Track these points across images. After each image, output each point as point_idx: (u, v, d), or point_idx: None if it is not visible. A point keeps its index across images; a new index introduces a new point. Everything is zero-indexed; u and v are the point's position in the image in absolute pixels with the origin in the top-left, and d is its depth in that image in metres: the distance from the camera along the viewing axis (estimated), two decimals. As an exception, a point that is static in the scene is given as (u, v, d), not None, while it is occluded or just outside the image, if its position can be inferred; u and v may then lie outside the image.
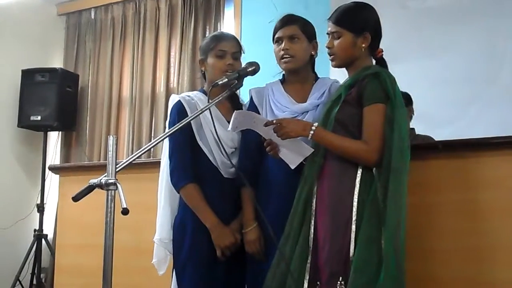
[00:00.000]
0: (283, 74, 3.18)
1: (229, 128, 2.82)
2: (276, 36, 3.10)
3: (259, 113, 3.07)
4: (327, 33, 2.86)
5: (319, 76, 3.20)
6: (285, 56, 3.04)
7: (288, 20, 3.10)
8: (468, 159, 2.99)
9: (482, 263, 2.88)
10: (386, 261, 2.47)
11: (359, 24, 2.79)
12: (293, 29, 3.06)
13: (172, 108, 3.19)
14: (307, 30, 3.09)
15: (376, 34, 2.83)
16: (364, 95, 2.67)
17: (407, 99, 4.60)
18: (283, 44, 3.05)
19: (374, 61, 2.86)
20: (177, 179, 3.09)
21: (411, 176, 2.65)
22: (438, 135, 4.01)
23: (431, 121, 4.73)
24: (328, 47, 2.84)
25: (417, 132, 4.61)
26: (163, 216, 3.24)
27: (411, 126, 4.58)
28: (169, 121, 3.18)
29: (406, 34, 5.17)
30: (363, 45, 2.78)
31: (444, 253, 2.96)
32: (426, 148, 3.29)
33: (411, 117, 4.62)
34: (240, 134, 3.11)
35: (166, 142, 3.19)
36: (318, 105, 3.00)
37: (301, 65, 3.08)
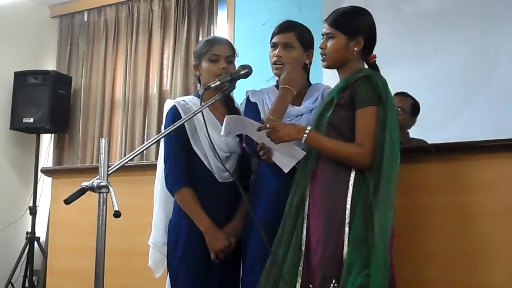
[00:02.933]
0: (277, 80, 3.17)
1: (222, 133, 2.82)
2: (272, 41, 3.11)
3: (258, 111, 3.08)
4: (322, 34, 2.87)
5: (318, 81, 3.21)
6: (277, 62, 3.05)
7: (286, 27, 3.10)
8: (460, 162, 3.01)
9: (474, 266, 2.90)
10: (375, 259, 2.46)
11: (353, 27, 2.80)
12: (289, 36, 3.07)
13: (167, 113, 3.18)
14: (304, 38, 3.09)
15: (370, 39, 2.84)
16: (356, 98, 2.68)
17: (417, 109, 4.62)
18: (277, 51, 3.06)
19: (366, 66, 2.86)
20: (172, 183, 3.09)
21: (404, 178, 2.66)
22: (432, 138, 4.01)
23: (425, 124, 4.72)
24: (321, 48, 2.85)
25: (411, 136, 4.62)
26: (158, 220, 3.24)
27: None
28: (164, 126, 3.18)
29: (400, 37, 5.18)
30: (355, 49, 2.79)
31: (436, 256, 2.97)
32: (418, 151, 3.30)
33: (410, 126, 4.63)
34: (236, 138, 3.11)
35: (162, 146, 3.19)
36: (312, 109, 3.01)
37: None
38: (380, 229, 2.50)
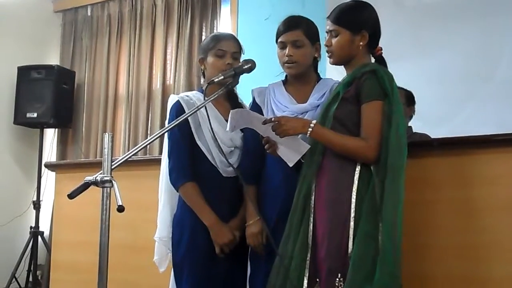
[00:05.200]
0: (286, 75, 3.17)
1: (228, 129, 2.82)
2: (279, 40, 3.08)
3: (262, 112, 3.07)
4: (326, 32, 2.87)
5: (321, 76, 3.19)
6: (288, 61, 3.03)
7: (292, 25, 3.07)
8: (463, 156, 3.00)
9: (478, 260, 2.89)
10: (383, 256, 2.48)
11: (357, 22, 2.80)
12: (297, 34, 3.04)
13: (171, 108, 3.19)
14: (311, 33, 3.07)
15: (375, 32, 2.84)
16: (362, 92, 2.67)
17: (411, 99, 4.61)
18: (286, 50, 3.03)
19: (373, 59, 2.86)
20: (176, 178, 3.10)
21: (406, 173, 2.65)
22: (435, 133, 4.02)
23: (427, 119, 4.73)
24: (327, 45, 2.85)
25: (414, 130, 4.62)
26: (163, 214, 3.25)
27: (408, 124, 4.59)
28: (168, 121, 3.19)
29: (402, 32, 5.17)
30: (361, 43, 2.78)
31: (440, 250, 2.96)
32: (421, 145, 3.29)
33: (411, 117, 4.62)
34: (240, 133, 3.12)
35: (167, 141, 3.20)
36: (317, 106, 2.99)
37: (304, 70, 3.08)
38: (387, 226, 2.51)
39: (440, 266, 2.95)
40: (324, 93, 3.03)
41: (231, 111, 2.79)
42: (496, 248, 2.87)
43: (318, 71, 3.18)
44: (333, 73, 3.18)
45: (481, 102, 4.93)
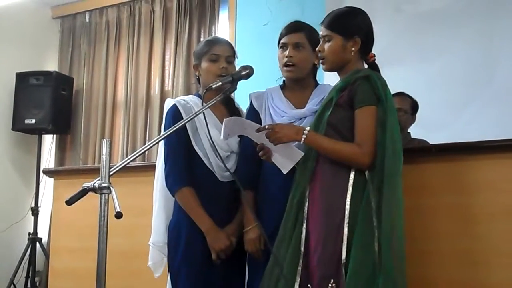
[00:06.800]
0: (284, 80, 3.17)
1: (221, 137, 2.82)
2: (281, 41, 3.10)
3: (259, 117, 3.08)
4: (319, 37, 2.87)
5: (319, 83, 3.20)
6: (288, 63, 3.04)
7: (295, 28, 3.10)
8: (461, 162, 3.01)
9: (476, 266, 2.89)
10: (383, 263, 2.48)
11: (349, 28, 2.80)
12: (299, 37, 3.07)
13: (167, 112, 3.19)
14: (313, 38, 3.07)
15: (367, 38, 2.84)
16: (356, 97, 2.67)
17: (416, 108, 4.62)
18: (287, 51, 3.05)
19: (366, 66, 2.87)
20: (172, 183, 3.09)
21: (405, 179, 2.65)
22: (434, 139, 4.01)
23: (426, 124, 4.72)
24: (319, 51, 2.85)
25: (412, 136, 4.61)
26: (158, 220, 3.24)
27: (407, 131, 4.59)
28: (164, 125, 3.19)
29: (401, 37, 5.18)
30: (353, 49, 2.79)
31: (438, 256, 2.97)
32: (419, 151, 3.30)
33: (411, 125, 4.63)
34: (237, 138, 3.11)
35: (162, 146, 3.19)
36: (316, 111, 2.99)
37: (303, 74, 3.09)
38: (385, 233, 2.51)
39: (439, 271, 2.95)
40: (322, 99, 3.02)
41: (224, 119, 2.79)
42: (494, 254, 2.87)
43: (316, 78, 3.18)
44: (332, 79, 3.18)
45: (481, 107, 4.93)
